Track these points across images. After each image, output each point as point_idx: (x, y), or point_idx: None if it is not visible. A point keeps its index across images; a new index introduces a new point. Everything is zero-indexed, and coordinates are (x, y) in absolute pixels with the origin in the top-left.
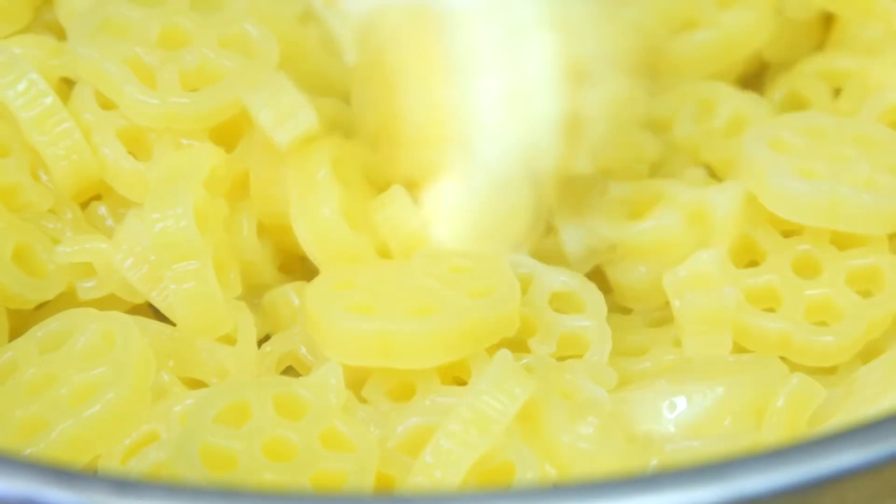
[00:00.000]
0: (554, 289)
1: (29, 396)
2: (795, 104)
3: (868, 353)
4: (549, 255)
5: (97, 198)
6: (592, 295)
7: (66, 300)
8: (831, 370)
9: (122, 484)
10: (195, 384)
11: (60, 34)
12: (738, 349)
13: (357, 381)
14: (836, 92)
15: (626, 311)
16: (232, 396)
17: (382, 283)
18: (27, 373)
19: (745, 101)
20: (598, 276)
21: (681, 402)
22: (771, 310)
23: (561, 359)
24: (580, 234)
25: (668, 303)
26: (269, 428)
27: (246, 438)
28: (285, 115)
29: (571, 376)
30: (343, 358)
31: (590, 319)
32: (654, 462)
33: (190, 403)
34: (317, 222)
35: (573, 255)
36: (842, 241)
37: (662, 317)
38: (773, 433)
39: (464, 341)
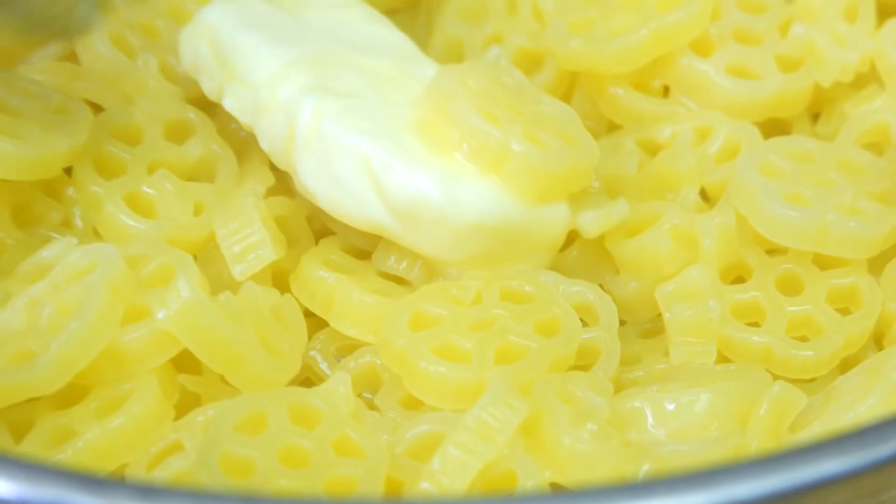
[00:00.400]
0: (571, 301)
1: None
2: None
3: (846, 368)
4: (567, 266)
5: None
6: (607, 307)
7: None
8: (811, 380)
9: (147, 490)
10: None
11: None
12: (723, 361)
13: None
14: (815, 117)
15: (621, 322)
16: (250, 407)
17: (458, 317)
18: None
19: (737, 129)
20: None
21: (671, 409)
22: (755, 324)
23: (571, 367)
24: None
25: (659, 315)
26: (285, 436)
27: (263, 446)
28: (247, 249)
29: (572, 386)
30: (429, 399)
31: (602, 331)
32: (645, 466)
33: (211, 414)
34: None
35: (589, 232)
36: (823, 262)
37: (654, 328)
38: (756, 438)
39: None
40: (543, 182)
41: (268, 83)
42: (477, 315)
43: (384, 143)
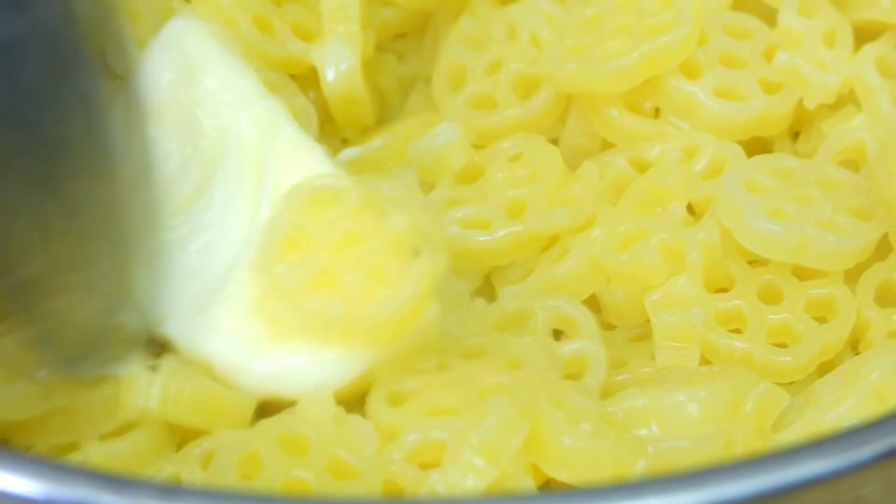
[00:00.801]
0: (551, 314)
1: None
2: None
3: (823, 371)
4: (561, 276)
5: None
6: (585, 317)
7: None
8: (789, 383)
9: (169, 491)
10: None
11: None
12: (706, 364)
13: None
14: (795, 136)
15: (611, 327)
16: (242, 448)
17: (432, 384)
18: None
19: (722, 148)
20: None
21: (667, 407)
22: (737, 331)
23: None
24: None
25: (647, 321)
26: (283, 470)
27: (266, 485)
28: None
29: (559, 394)
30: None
31: (585, 341)
32: (641, 463)
33: (207, 446)
34: None
35: None
36: (802, 273)
37: (642, 333)
38: (743, 434)
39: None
40: (383, 336)
41: None
42: (449, 378)
43: (230, 342)
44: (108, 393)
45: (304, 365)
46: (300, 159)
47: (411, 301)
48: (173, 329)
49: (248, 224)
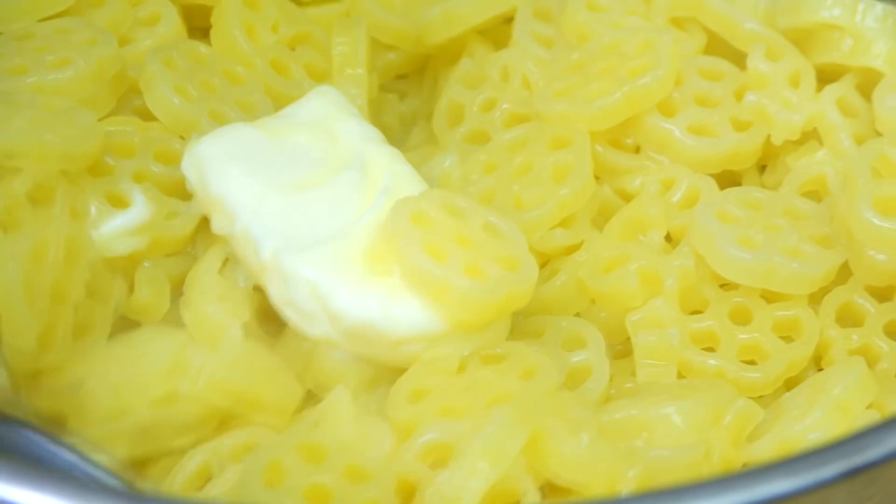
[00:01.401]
0: (562, 334)
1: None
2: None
3: (790, 386)
4: (549, 297)
5: None
6: (592, 333)
7: None
8: (758, 397)
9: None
10: None
11: (145, 116)
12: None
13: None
14: (762, 168)
15: None
16: (267, 457)
17: (450, 385)
18: None
19: (697, 180)
20: None
21: (654, 419)
22: (710, 349)
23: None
24: None
25: (628, 339)
26: (304, 477)
27: (290, 493)
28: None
29: (561, 404)
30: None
31: (591, 353)
32: (632, 472)
33: (233, 443)
34: None
35: None
36: (769, 296)
37: (623, 350)
38: (720, 445)
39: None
40: (482, 312)
41: (239, 216)
42: (465, 381)
43: (331, 271)
44: (152, 366)
45: (393, 305)
46: (414, 184)
47: (518, 291)
48: (286, 257)
49: (363, 205)
